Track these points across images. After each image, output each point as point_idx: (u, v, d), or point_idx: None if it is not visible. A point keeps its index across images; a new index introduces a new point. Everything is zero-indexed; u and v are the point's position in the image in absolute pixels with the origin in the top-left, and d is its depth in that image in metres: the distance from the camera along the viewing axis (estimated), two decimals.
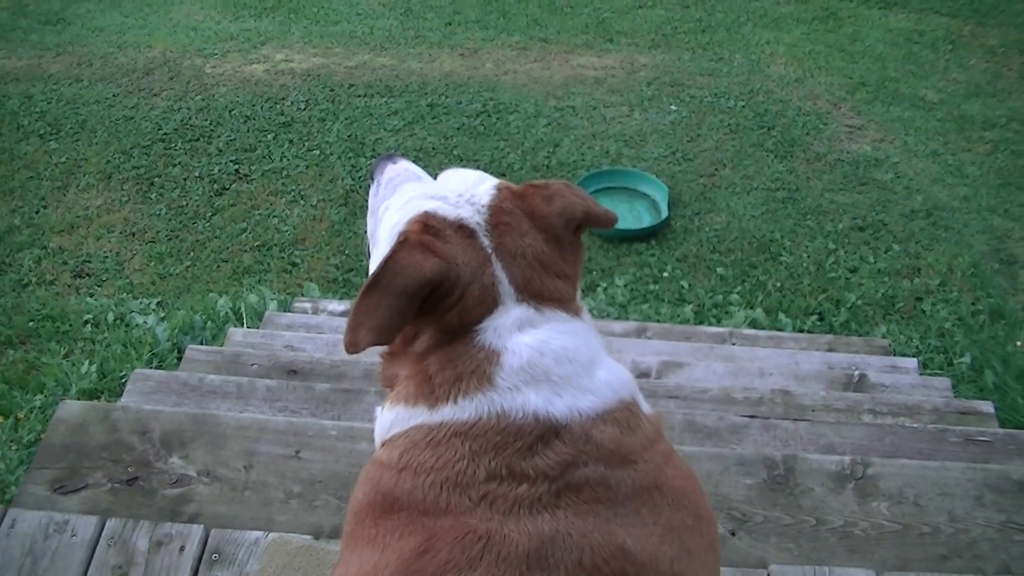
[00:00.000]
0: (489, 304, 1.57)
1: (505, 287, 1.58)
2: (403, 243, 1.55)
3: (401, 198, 1.73)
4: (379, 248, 1.76)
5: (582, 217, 1.69)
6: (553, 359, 1.55)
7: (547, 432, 1.49)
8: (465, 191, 1.67)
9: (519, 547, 1.39)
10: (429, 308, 1.56)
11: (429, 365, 1.59)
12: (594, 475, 1.48)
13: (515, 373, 1.53)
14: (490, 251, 1.59)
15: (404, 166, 1.89)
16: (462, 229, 1.61)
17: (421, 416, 1.57)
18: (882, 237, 6.65)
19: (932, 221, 6.82)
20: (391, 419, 1.63)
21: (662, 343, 4.84)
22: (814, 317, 5.83)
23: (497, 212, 1.63)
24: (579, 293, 1.73)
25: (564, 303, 1.64)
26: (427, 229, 1.59)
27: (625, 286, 6.09)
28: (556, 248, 1.66)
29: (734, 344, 4.97)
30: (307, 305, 5.57)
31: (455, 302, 1.55)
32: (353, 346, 1.51)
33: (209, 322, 5.19)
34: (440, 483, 1.47)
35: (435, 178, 1.83)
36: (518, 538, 1.39)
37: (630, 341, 4.87)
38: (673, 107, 8.17)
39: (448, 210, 1.63)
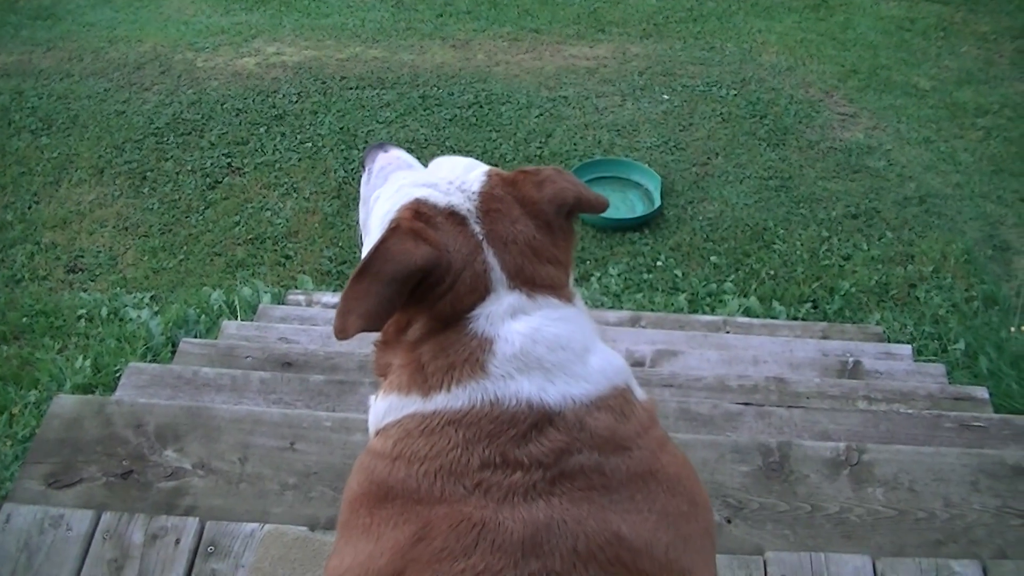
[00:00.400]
0: (481, 291, 1.56)
1: (497, 274, 1.57)
2: (394, 230, 1.55)
3: (392, 186, 1.73)
4: (371, 237, 1.75)
5: (573, 202, 1.69)
6: (546, 346, 1.54)
7: (541, 420, 1.49)
8: (456, 178, 1.67)
9: (514, 534, 1.39)
10: (421, 296, 1.56)
11: (422, 354, 1.59)
12: (588, 462, 1.48)
13: (508, 361, 1.52)
14: (481, 238, 1.58)
15: (395, 154, 1.88)
16: (453, 216, 1.60)
17: (415, 405, 1.57)
18: (875, 224, 6.65)
19: (925, 208, 6.82)
20: (385, 408, 1.63)
21: (656, 332, 4.84)
22: (808, 305, 5.84)
23: (488, 199, 1.63)
24: (572, 279, 1.72)
25: (557, 289, 1.63)
26: (418, 216, 1.59)
27: (619, 275, 6.09)
28: (548, 234, 1.66)
29: (728, 332, 4.97)
30: (301, 297, 5.57)
31: (447, 290, 1.55)
32: (342, 332, 1.51)
33: (203, 315, 5.19)
34: (434, 472, 1.47)
35: (426, 167, 1.83)
36: (513, 525, 1.40)
37: (624, 330, 4.88)
38: (665, 96, 8.16)
39: (439, 197, 1.63)
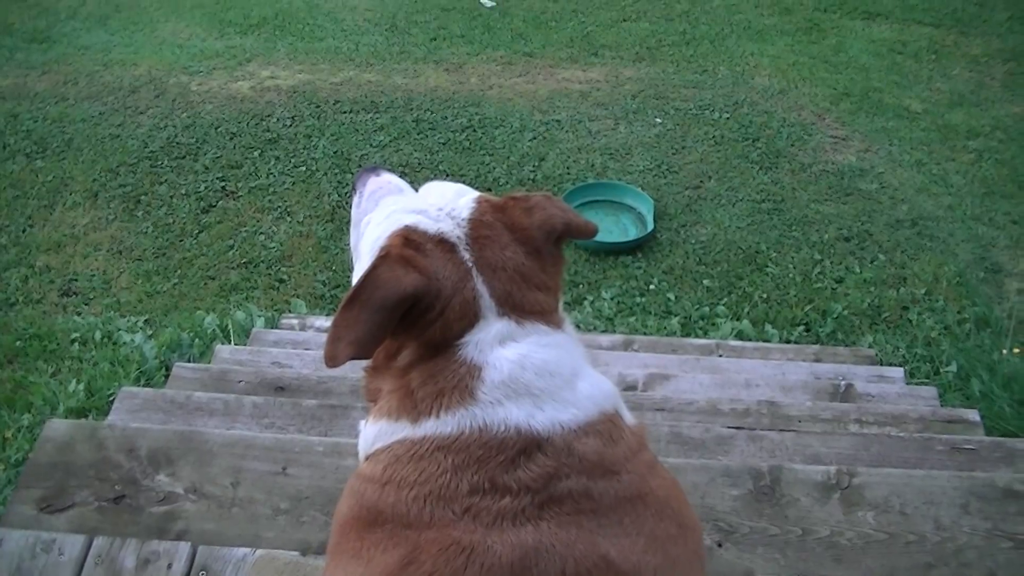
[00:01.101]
0: (470, 318, 1.58)
1: (486, 301, 1.58)
2: (384, 258, 1.56)
3: (383, 212, 1.74)
4: (361, 262, 1.77)
5: (562, 228, 1.70)
6: (534, 373, 1.56)
7: (529, 445, 1.50)
8: (446, 204, 1.68)
9: (502, 558, 1.40)
10: (411, 323, 1.57)
11: (412, 380, 1.60)
12: (577, 487, 1.49)
13: (497, 387, 1.53)
14: (471, 265, 1.60)
15: (386, 179, 1.89)
16: (443, 243, 1.61)
17: (404, 430, 1.58)
18: (868, 247, 6.67)
19: (917, 231, 6.84)
20: (374, 433, 1.64)
21: (649, 356, 4.85)
22: (801, 328, 5.85)
23: (477, 225, 1.64)
24: (561, 304, 1.73)
25: (546, 315, 1.65)
26: (408, 243, 1.60)
27: (612, 299, 6.09)
28: (537, 260, 1.67)
29: (721, 356, 4.98)
30: (294, 321, 5.58)
31: (436, 316, 1.56)
32: (333, 360, 1.52)
33: (196, 339, 5.19)
34: (423, 497, 1.48)
35: (417, 191, 1.84)
36: (501, 549, 1.40)
37: (617, 354, 4.88)
38: (658, 120, 8.19)
39: (429, 224, 1.64)
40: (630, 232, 6.79)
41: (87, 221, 6.99)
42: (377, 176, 1.90)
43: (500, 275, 1.61)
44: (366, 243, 1.74)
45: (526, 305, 1.62)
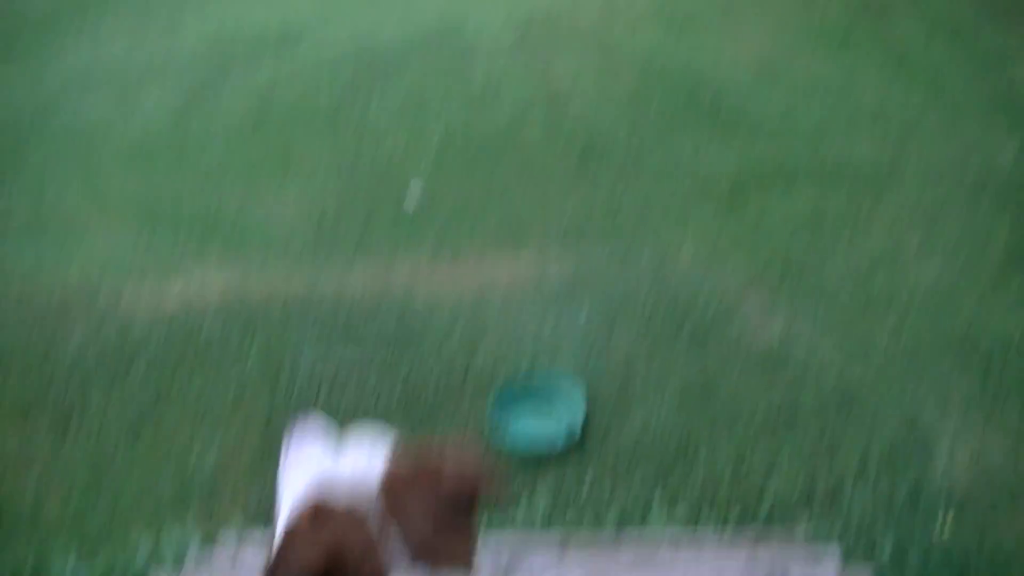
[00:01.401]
0: None
1: (397, 569, 1.62)
2: (292, 536, 1.60)
3: (297, 477, 1.79)
4: (279, 520, 1.81)
5: (473, 495, 1.75)
6: None
7: None
8: (357, 470, 1.73)
9: None
10: None
11: None
12: None
13: None
14: (382, 534, 1.64)
15: (311, 431, 1.95)
16: (353, 514, 1.65)
17: None
18: (797, 425, 6.71)
19: (846, 403, 6.90)
20: None
21: (584, 562, 4.80)
22: (736, 512, 5.85)
23: (389, 494, 1.69)
24: (476, 564, 1.77)
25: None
26: (317, 517, 1.64)
27: (546, 501, 6.09)
28: (448, 528, 1.71)
29: (657, 553, 4.97)
30: (232, 538, 5.51)
31: None
32: None
33: (130, 566, 5.13)
34: None
35: (343, 425, 1.89)
36: None
37: (551, 560, 4.83)
38: (584, 309, 8.22)
39: (340, 493, 1.68)
40: (561, 431, 6.69)
41: (16, 444, 6.92)
42: (302, 428, 1.96)
43: (411, 541, 1.65)
44: (284, 502, 1.79)
45: (438, 568, 1.65)
